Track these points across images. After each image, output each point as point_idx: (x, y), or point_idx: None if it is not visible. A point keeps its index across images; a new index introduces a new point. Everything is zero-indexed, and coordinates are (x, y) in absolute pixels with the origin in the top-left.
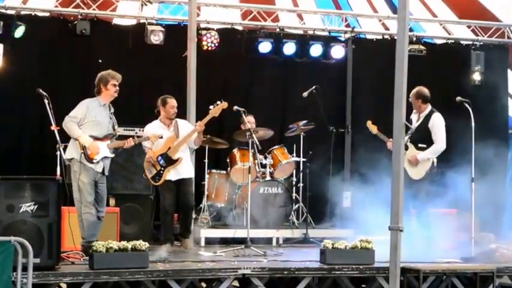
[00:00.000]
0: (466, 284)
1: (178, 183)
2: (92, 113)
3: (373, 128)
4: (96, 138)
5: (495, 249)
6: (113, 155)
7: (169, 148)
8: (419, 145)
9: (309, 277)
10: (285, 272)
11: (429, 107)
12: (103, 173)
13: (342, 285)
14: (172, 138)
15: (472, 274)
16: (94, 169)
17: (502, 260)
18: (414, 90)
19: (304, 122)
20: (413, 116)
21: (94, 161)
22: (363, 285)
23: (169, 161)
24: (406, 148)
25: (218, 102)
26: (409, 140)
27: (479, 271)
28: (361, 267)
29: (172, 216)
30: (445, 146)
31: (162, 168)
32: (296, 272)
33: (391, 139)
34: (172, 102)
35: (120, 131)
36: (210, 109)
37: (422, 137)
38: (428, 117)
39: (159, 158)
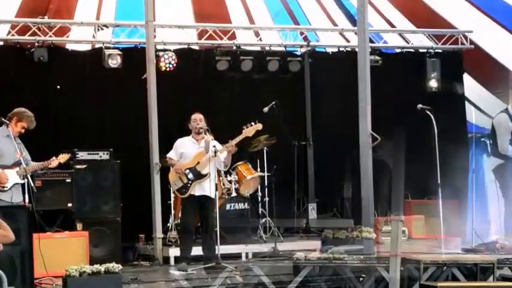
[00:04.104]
0: (466, 274)
1: (202, 202)
2: None
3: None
4: (3, 167)
5: (496, 240)
6: (23, 181)
7: (198, 163)
8: None
9: (310, 266)
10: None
11: None
12: (11, 201)
13: (342, 275)
14: (202, 153)
15: (472, 265)
16: (0, 197)
17: (503, 251)
18: None
19: (266, 136)
20: None
21: (5, 188)
22: (363, 275)
23: (197, 175)
24: None
25: (252, 123)
26: None
27: (480, 262)
28: (361, 257)
29: (192, 236)
30: None
31: (190, 182)
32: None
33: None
34: (194, 115)
35: (84, 155)
36: (244, 129)
37: None
38: None
39: (187, 171)
